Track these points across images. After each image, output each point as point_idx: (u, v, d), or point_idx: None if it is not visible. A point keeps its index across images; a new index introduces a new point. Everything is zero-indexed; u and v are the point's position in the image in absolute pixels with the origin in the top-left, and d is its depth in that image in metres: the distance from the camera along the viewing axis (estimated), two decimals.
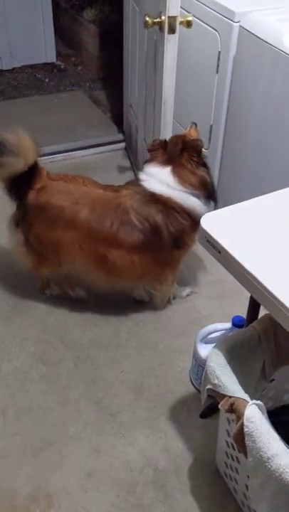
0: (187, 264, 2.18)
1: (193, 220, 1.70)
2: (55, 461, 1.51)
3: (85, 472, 1.49)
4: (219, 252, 1.17)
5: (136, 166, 2.70)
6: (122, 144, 2.95)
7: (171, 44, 1.79)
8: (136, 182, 1.79)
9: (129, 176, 2.68)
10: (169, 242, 1.73)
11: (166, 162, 1.74)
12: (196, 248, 2.25)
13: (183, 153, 1.72)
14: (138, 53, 2.33)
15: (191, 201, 1.72)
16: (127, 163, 2.81)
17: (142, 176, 1.78)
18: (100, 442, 1.56)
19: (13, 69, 3.69)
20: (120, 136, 3.00)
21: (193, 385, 1.73)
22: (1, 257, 2.18)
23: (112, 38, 3.39)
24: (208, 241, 1.20)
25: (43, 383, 1.71)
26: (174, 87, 1.89)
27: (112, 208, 1.70)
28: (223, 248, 1.15)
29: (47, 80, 3.66)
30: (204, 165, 1.77)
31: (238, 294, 2.04)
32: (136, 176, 1.84)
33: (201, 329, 1.69)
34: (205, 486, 1.47)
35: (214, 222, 1.22)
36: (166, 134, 2.01)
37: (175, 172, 1.72)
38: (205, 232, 1.20)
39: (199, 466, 1.51)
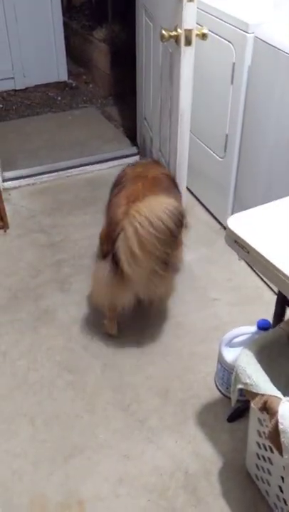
0: (208, 272, 2.21)
1: None
2: (85, 468, 1.52)
3: (115, 478, 1.49)
4: (248, 252, 1.19)
5: None
6: (136, 158, 3.00)
7: (187, 56, 1.84)
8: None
9: None
10: None
11: None
12: (215, 257, 2.29)
13: None
14: (152, 67, 2.38)
15: None
16: None
17: None
18: (130, 448, 1.57)
19: (26, 88, 3.78)
20: (134, 150, 3.05)
21: (218, 389, 1.73)
22: (22, 270, 2.21)
23: (123, 55, 3.48)
24: (236, 242, 1.22)
25: (70, 391, 1.73)
26: (190, 99, 1.93)
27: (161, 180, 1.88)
28: (252, 248, 1.17)
29: (59, 98, 3.74)
30: None
31: (258, 299, 2.08)
32: None
33: (225, 334, 1.71)
34: (236, 489, 1.47)
35: (241, 223, 1.24)
36: (184, 144, 2.05)
37: None
38: (232, 233, 1.22)
39: (229, 469, 1.51)
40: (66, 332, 1.93)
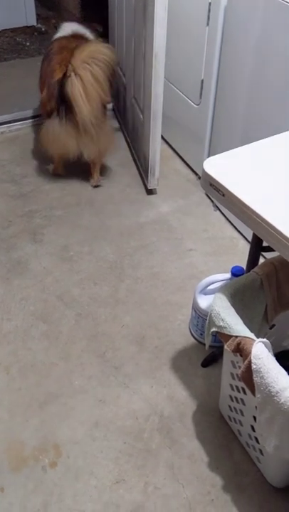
0: (184, 223, 2.20)
1: None
2: (61, 413, 1.53)
3: (91, 422, 1.51)
4: (223, 195, 1.17)
5: (124, 125, 2.66)
6: (109, 105, 2.90)
7: None
8: None
9: (118, 135, 2.65)
10: None
11: None
12: (191, 208, 2.28)
13: None
14: (125, 8, 2.28)
15: None
16: (115, 124, 2.77)
17: None
18: (105, 393, 1.58)
19: None
20: None
21: (193, 336, 1.75)
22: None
23: None
24: (211, 185, 1.20)
25: (45, 340, 1.72)
26: (164, 39, 1.86)
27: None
28: (227, 190, 1.16)
29: (28, 44, 3.56)
30: None
31: (232, 249, 2.08)
32: None
33: (200, 281, 1.71)
34: (209, 430, 1.51)
35: (216, 166, 1.22)
36: (158, 89, 1.99)
37: None
38: (208, 176, 1.20)
39: (203, 412, 1.55)
40: (39, 283, 1.91)
